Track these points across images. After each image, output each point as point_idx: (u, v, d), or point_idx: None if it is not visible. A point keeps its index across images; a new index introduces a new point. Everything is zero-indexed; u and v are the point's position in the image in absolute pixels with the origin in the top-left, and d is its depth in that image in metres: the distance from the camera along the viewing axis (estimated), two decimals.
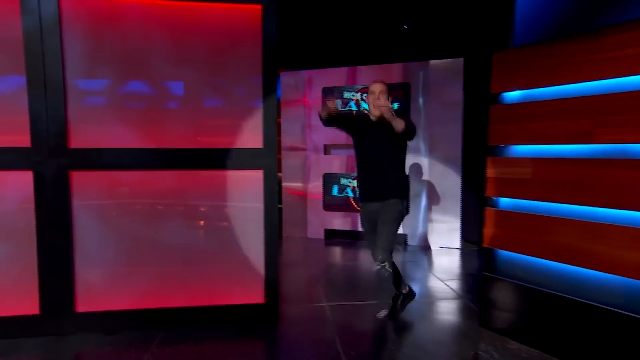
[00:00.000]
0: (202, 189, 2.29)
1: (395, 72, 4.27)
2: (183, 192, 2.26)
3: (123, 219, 2.22)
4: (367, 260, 3.56)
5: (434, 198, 4.22)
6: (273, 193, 2.28)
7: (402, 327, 2.35)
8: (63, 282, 2.11)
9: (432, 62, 4.14)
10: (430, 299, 2.81)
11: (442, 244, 4.24)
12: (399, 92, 4.18)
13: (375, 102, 2.18)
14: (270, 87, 2.23)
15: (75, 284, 2.13)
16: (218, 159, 2.21)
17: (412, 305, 2.47)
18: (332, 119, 2.27)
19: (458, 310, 2.65)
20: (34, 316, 2.10)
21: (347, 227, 4.57)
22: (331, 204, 4.60)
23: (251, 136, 2.24)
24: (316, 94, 4.53)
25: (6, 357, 1.91)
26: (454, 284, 3.12)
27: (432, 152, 4.20)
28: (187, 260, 2.28)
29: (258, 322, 2.28)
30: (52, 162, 2.04)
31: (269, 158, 2.24)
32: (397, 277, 2.36)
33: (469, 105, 4.09)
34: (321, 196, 4.61)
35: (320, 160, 4.61)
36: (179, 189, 2.26)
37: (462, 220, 4.16)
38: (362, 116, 2.39)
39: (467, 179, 4.15)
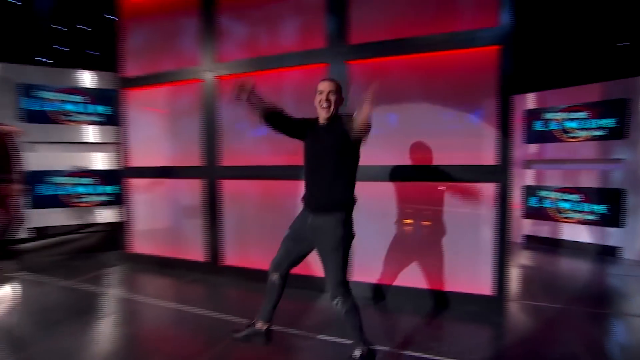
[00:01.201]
0: (444, 197, 2.89)
1: (611, 88, 4.31)
2: (429, 199, 2.93)
3: (387, 220, 3.03)
4: (571, 267, 3.93)
5: None
6: (505, 203, 2.66)
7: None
8: None
9: None
10: None
11: None
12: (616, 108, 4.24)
13: (321, 103, 1.94)
14: (505, 111, 2.63)
15: None
16: (458, 173, 2.76)
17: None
18: (272, 119, 1.98)
19: None
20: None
21: (545, 234, 4.95)
22: (530, 213, 5.04)
23: (487, 154, 2.69)
24: (517, 116, 4.92)
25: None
26: None
27: None
28: (429, 252, 2.93)
29: (486, 310, 2.72)
30: None
31: (503, 173, 2.64)
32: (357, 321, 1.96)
33: None
34: (520, 205, 5.06)
35: (520, 174, 5.06)
36: (426, 197, 2.94)
37: None
38: (310, 119, 2.08)
39: None
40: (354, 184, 2.00)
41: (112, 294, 3.17)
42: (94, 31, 4.91)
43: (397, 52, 2.91)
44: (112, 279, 3.59)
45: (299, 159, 2.13)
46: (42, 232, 4.76)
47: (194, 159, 3.66)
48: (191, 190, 3.74)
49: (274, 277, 2.09)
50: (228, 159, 3.56)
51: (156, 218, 4.08)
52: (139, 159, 4.08)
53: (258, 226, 3.48)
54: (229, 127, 3.56)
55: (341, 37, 3.03)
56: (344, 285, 1.92)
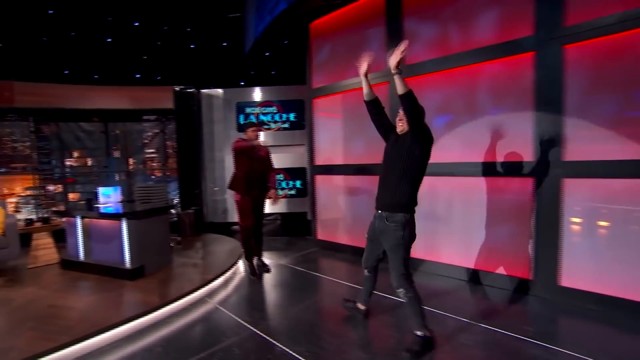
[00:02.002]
0: None
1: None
2: None
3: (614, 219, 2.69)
4: None
5: None
6: None
7: None
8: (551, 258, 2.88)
9: None
10: None
11: None
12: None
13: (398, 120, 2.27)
14: None
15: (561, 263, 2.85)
16: None
17: None
18: (376, 103, 2.39)
19: None
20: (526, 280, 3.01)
21: None
22: None
23: None
24: None
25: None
26: None
27: None
28: None
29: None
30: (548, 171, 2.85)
31: None
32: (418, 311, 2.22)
33: None
34: None
35: None
36: None
37: None
38: (394, 126, 2.33)
39: None
40: (416, 190, 2.21)
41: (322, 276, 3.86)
42: (274, 55, 5.89)
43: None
44: (318, 262, 4.35)
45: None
46: None
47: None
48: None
49: (365, 272, 2.56)
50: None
51: (338, 209, 4.68)
52: (325, 158, 4.75)
53: (446, 222, 3.58)
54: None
55: (554, 20, 2.77)
56: (406, 278, 2.18)
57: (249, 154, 3.50)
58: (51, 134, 6.25)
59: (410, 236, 2.19)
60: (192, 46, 7.15)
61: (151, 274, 3.57)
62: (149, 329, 2.59)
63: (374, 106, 2.39)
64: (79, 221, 3.84)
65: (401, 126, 2.23)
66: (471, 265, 3.39)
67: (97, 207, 4.23)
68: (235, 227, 6.53)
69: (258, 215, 3.76)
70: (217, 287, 3.44)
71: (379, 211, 2.28)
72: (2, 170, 6.14)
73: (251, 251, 3.77)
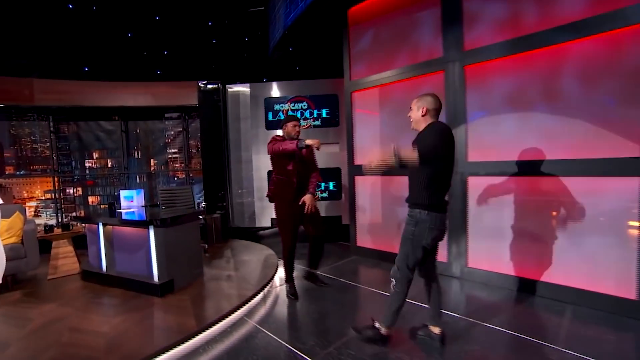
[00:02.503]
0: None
1: None
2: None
3: None
4: None
5: None
6: None
7: None
8: None
9: None
10: None
11: None
12: None
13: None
14: None
15: None
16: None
17: None
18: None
19: None
20: (631, 300, 2.47)
21: None
22: None
23: None
24: None
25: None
26: None
27: None
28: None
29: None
30: None
31: None
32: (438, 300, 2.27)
33: None
34: None
35: None
36: None
37: None
38: None
39: None
40: (431, 188, 2.09)
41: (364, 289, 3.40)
42: (303, 47, 5.49)
43: None
44: (360, 273, 3.90)
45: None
46: (273, 222, 5.68)
47: None
48: None
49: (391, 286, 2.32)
50: (477, 153, 3.28)
51: (379, 213, 4.22)
52: (363, 157, 4.30)
53: (514, 228, 3.08)
54: (476, 119, 3.27)
55: None
56: (401, 271, 2.16)
57: (290, 154, 2.96)
58: (71, 133, 5.97)
59: (421, 234, 2.10)
60: (214, 41, 6.80)
61: (182, 289, 3.19)
62: (184, 358, 2.20)
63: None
64: (100, 228, 3.49)
65: (411, 123, 2.28)
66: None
67: (119, 211, 3.89)
68: (263, 232, 6.14)
69: (314, 223, 3.21)
70: (255, 302, 3.03)
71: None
72: (22, 172, 5.90)
73: (292, 271, 3.26)
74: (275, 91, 5.51)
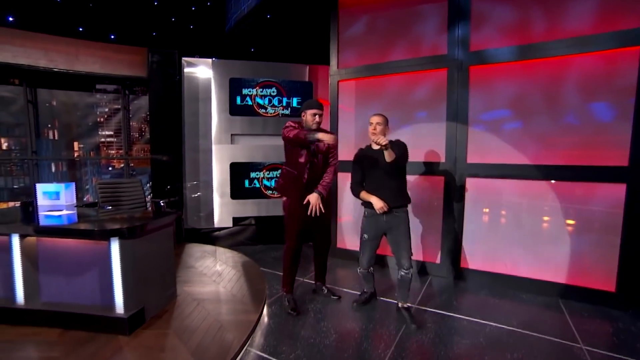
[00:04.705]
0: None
1: None
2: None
3: None
4: None
5: None
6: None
7: None
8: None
9: None
10: None
11: None
12: None
13: (371, 133, 2.63)
14: None
15: None
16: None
17: None
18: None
19: None
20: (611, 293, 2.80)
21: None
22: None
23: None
24: None
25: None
26: None
27: None
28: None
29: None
30: None
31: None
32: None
33: None
34: None
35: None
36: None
37: None
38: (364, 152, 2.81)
39: None
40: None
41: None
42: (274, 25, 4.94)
43: None
44: (339, 275, 3.64)
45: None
46: (236, 222, 5.04)
47: (434, 155, 3.50)
48: (431, 187, 3.58)
49: (370, 269, 2.84)
50: (477, 155, 3.32)
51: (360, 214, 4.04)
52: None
53: (509, 229, 3.22)
54: (478, 120, 3.30)
55: None
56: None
57: (302, 143, 2.50)
58: None
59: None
60: (155, 3, 5.68)
61: (155, 319, 2.48)
62: None
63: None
64: (16, 242, 2.45)
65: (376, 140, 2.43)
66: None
67: (44, 215, 2.84)
68: (218, 232, 5.43)
69: (322, 229, 2.87)
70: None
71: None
72: None
73: (293, 282, 2.84)
74: (241, 71, 4.82)
